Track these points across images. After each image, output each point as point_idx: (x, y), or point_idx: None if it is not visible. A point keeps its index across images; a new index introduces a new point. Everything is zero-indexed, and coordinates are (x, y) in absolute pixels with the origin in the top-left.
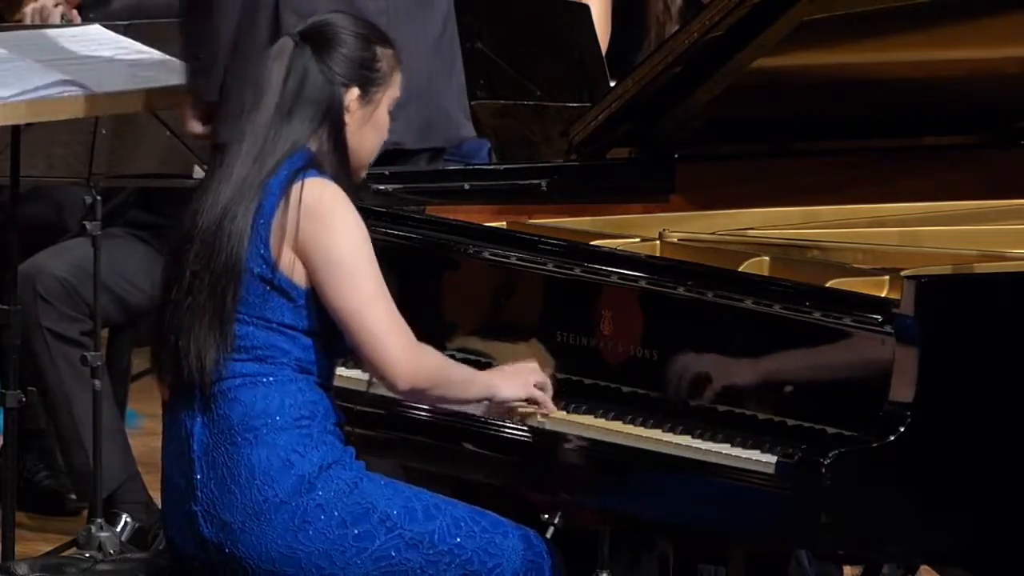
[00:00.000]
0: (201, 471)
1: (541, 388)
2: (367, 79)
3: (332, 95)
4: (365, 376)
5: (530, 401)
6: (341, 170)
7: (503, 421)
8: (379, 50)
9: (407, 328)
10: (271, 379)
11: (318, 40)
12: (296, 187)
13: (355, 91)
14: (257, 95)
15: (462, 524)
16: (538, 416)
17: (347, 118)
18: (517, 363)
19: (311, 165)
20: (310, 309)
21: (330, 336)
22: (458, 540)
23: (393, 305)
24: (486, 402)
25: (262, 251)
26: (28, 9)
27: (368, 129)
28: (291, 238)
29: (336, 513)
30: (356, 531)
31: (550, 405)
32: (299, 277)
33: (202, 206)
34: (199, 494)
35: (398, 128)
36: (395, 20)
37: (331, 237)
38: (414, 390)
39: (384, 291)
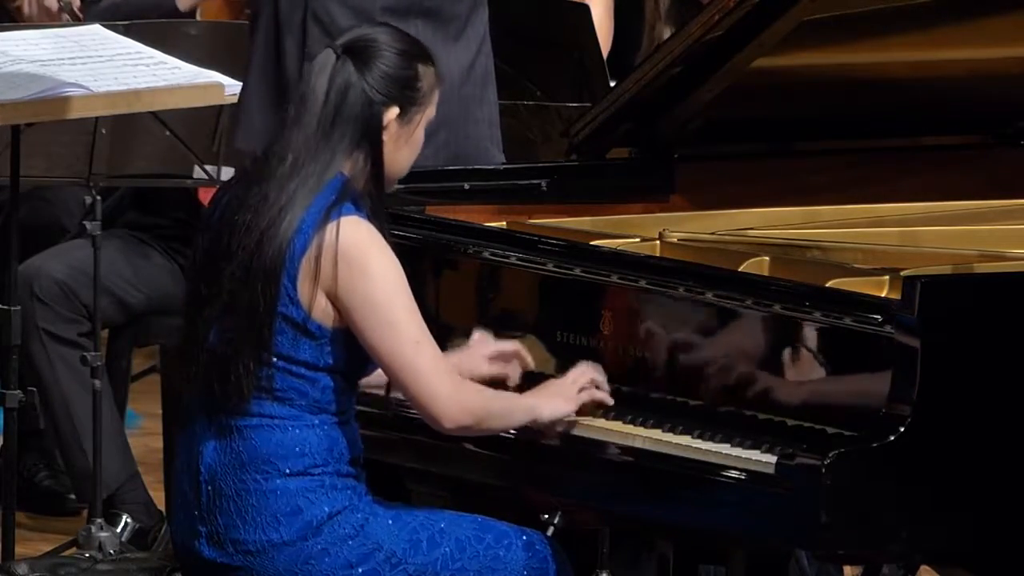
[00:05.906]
0: (206, 495)
1: (593, 385)
2: (407, 98)
3: (372, 114)
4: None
5: (581, 411)
6: (375, 189)
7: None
8: (421, 68)
9: (451, 367)
10: (288, 424)
11: (360, 55)
12: (331, 228)
13: (395, 110)
14: (299, 110)
15: (466, 546)
16: (583, 421)
17: (384, 136)
18: (569, 374)
19: (344, 197)
20: (333, 347)
21: (349, 371)
22: (460, 564)
23: (436, 346)
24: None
25: (290, 291)
26: None
27: (405, 148)
28: (326, 282)
29: (342, 555)
30: (361, 569)
31: (607, 398)
32: (329, 319)
33: (240, 222)
34: (204, 515)
35: (426, 154)
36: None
37: (368, 283)
38: (460, 427)
39: (426, 332)
